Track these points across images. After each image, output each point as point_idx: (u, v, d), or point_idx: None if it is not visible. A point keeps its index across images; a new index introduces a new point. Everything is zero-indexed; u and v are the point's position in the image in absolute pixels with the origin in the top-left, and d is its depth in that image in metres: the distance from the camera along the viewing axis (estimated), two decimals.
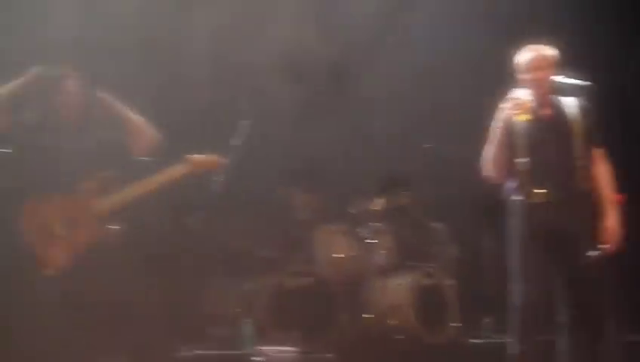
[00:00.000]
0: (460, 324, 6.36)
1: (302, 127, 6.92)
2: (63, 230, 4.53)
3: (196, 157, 4.91)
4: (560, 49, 4.66)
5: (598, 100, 4.30)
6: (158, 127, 5.00)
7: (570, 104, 4.67)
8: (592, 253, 4.68)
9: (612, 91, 6.00)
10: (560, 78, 4.53)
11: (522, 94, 4.51)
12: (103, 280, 4.54)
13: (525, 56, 4.67)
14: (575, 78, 4.43)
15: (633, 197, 5.14)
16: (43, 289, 4.46)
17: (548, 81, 4.59)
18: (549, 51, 4.66)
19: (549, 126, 4.58)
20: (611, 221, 4.57)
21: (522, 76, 4.65)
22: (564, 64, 4.62)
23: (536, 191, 4.55)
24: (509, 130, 4.58)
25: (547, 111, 4.63)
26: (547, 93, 4.64)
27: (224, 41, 6.44)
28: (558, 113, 4.64)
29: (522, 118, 4.48)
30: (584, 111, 4.61)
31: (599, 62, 6.29)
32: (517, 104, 4.50)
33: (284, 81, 6.67)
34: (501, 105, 4.58)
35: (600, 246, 4.57)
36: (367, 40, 7.00)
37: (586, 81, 4.32)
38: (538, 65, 4.60)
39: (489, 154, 4.69)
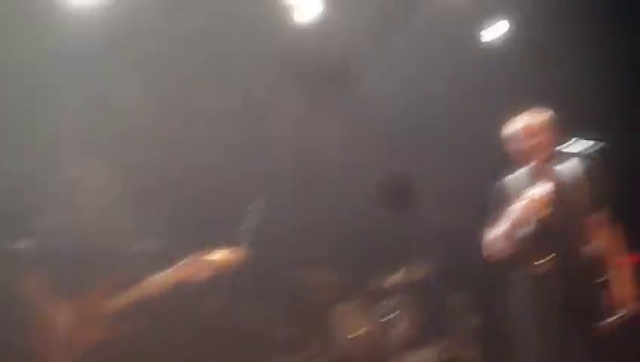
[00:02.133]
0: None
1: (311, 204, 6.94)
2: (71, 328, 4.42)
3: (213, 252, 4.63)
4: (566, 109, 4.65)
5: (607, 160, 4.28)
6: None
7: (571, 167, 4.64)
8: (606, 321, 4.62)
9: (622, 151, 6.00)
10: (565, 143, 4.51)
11: (541, 189, 4.37)
12: None
13: (516, 125, 4.64)
14: (585, 139, 4.42)
15: None
16: None
17: (544, 148, 4.53)
18: (541, 116, 4.62)
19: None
20: (620, 285, 4.49)
21: (516, 147, 4.62)
22: (572, 124, 4.60)
23: (542, 260, 4.49)
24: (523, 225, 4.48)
25: (546, 178, 4.53)
26: (546, 160, 4.57)
27: (231, 122, 6.50)
28: (560, 178, 4.55)
29: (539, 216, 4.35)
30: (586, 174, 4.57)
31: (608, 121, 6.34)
32: (537, 202, 4.35)
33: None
34: (519, 202, 4.42)
35: (614, 312, 4.49)
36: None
37: (595, 141, 4.32)
38: (532, 131, 4.56)
39: (494, 244, 4.58)
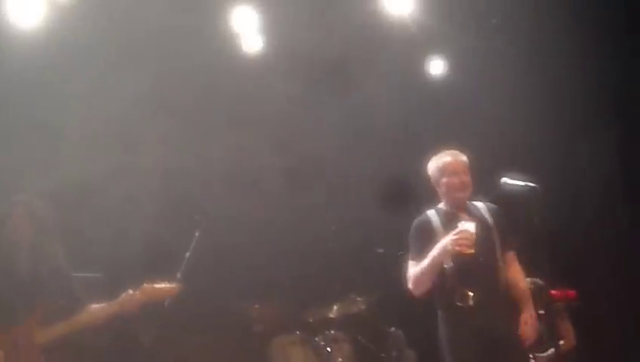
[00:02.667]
0: None
1: (256, 238, 6.92)
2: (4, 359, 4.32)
3: (151, 287, 4.55)
4: (504, 146, 4.78)
5: (542, 200, 4.38)
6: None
7: (482, 207, 4.78)
8: (544, 354, 4.74)
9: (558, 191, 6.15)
10: (505, 180, 4.60)
11: (469, 226, 4.43)
12: None
13: (440, 160, 4.77)
14: (519, 180, 4.51)
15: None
16: None
17: (466, 186, 4.66)
18: (462, 155, 4.76)
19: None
20: (527, 316, 4.60)
21: (443, 181, 4.72)
22: (510, 165, 4.73)
23: (465, 293, 4.56)
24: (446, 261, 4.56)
25: (463, 215, 4.69)
26: (465, 198, 4.72)
27: (174, 152, 6.46)
28: (474, 216, 4.69)
29: (467, 252, 4.40)
30: (497, 216, 4.71)
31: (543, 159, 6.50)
32: (464, 238, 4.40)
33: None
34: (448, 238, 4.48)
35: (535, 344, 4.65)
36: None
37: (530, 182, 4.41)
38: (454, 169, 4.69)
39: (421, 275, 4.64)
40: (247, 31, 6.24)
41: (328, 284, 6.92)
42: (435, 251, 4.53)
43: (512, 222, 4.64)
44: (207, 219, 5.85)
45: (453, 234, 4.43)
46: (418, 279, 4.66)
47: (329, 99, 6.67)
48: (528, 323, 4.56)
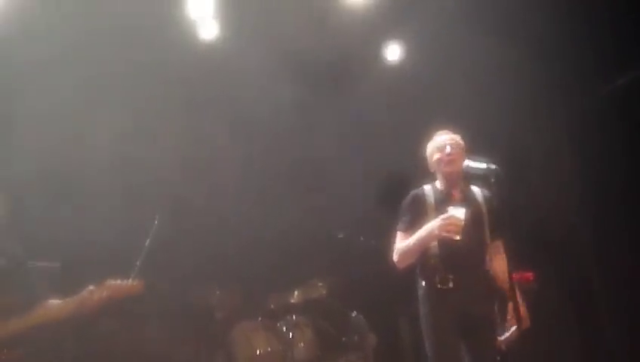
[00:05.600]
0: None
1: (216, 224, 6.89)
2: None
3: (114, 284, 4.33)
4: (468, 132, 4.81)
5: (504, 183, 4.39)
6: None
7: (478, 193, 4.82)
8: (502, 337, 4.80)
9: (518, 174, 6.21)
10: (467, 162, 4.61)
11: (458, 213, 4.45)
12: None
13: (437, 140, 4.81)
14: (482, 162, 4.52)
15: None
16: None
17: (459, 164, 4.65)
18: (458, 136, 4.80)
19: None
20: (518, 305, 4.66)
21: (434, 158, 4.77)
22: (473, 149, 4.75)
23: (446, 276, 4.62)
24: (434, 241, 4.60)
25: (457, 196, 4.74)
26: (458, 178, 4.73)
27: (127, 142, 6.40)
28: (468, 200, 4.74)
29: (454, 238, 4.42)
30: (490, 204, 4.73)
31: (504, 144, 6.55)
32: (453, 224, 4.42)
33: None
34: (436, 222, 4.50)
35: (508, 329, 4.69)
36: None
37: (492, 164, 4.43)
38: (444, 146, 4.70)
39: (406, 252, 4.69)
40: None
41: (289, 270, 6.94)
42: (422, 232, 4.57)
43: (503, 212, 4.65)
44: (166, 207, 5.81)
45: (441, 219, 4.46)
46: (403, 254, 4.70)
47: (281, 86, 6.63)
48: (518, 313, 4.51)
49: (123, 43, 5.87)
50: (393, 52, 7.11)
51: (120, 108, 6.11)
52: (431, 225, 4.53)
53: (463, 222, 4.41)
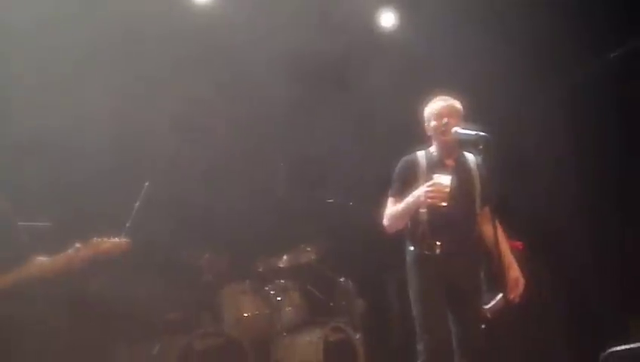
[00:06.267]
0: None
1: (205, 187, 6.88)
2: None
3: (100, 241, 4.39)
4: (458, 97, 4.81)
5: (493, 151, 4.40)
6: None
7: (472, 161, 4.83)
8: (488, 305, 4.85)
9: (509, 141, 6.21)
10: (458, 129, 4.61)
11: (444, 180, 4.47)
12: None
13: (434, 104, 4.82)
14: (473, 130, 4.52)
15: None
16: None
17: (448, 130, 4.65)
18: (456, 102, 4.81)
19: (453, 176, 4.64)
20: (515, 273, 4.72)
21: (431, 124, 4.78)
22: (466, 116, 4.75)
23: (433, 242, 4.69)
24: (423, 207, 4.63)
25: (450, 163, 4.77)
26: (452, 144, 4.75)
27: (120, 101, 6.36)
28: (461, 167, 4.78)
29: (440, 204, 4.45)
30: (482, 170, 4.74)
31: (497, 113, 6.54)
32: (438, 191, 4.44)
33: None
34: (422, 189, 4.53)
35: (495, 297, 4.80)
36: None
37: (482, 132, 4.43)
38: (446, 112, 4.72)
39: (395, 217, 4.74)
40: None
41: (278, 234, 6.95)
42: (410, 198, 4.60)
43: (490, 179, 4.67)
44: (157, 168, 5.80)
45: (426, 186, 4.48)
46: (392, 219, 4.75)
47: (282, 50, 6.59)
48: (514, 281, 4.68)
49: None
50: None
51: (114, 67, 6.06)
52: (417, 192, 4.56)
53: (448, 189, 4.43)
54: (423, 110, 4.89)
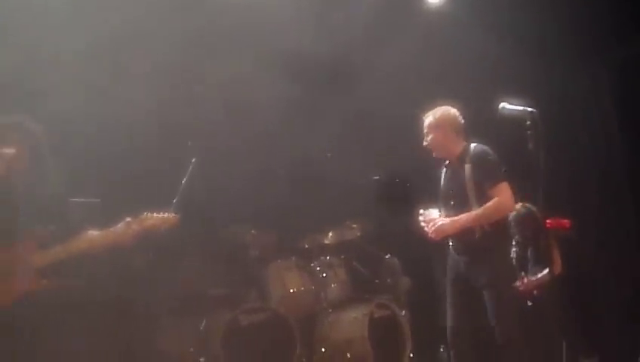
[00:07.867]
0: (415, 354, 6.36)
1: (251, 162, 6.90)
2: None
3: (150, 216, 4.43)
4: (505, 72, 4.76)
5: (539, 126, 4.34)
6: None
7: (467, 163, 4.98)
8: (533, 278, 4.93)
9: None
10: (505, 105, 4.56)
11: (431, 213, 5.02)
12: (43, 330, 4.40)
13: (424, 119, 5.10)
14: (518, 105, 4.47)
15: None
16: None
17: (439, 149, 5.02)
18: (444, 113, 5.03)
19: (449, 183, 5.07)
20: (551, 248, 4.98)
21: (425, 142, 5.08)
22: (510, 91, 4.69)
23: (447, 242, 5.09)
24: None
25: (457, 164, 5.03)
26: (446, 157, 5.07)
27: (172, 79, 6.39)
28: (453, 175, 5.05)
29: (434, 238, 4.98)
30: (476, 161, 4.91)
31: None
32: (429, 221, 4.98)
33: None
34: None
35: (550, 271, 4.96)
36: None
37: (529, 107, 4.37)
38: (432, 127, 5.03)
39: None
40: None
41: (324, 211, 6.96)
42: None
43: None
44: (202, 146, 5.84)
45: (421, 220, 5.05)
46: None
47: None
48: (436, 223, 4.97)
49: None
50: None
51: (161, 47, 6.09)
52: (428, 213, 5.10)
53: (435, 221, 4.93)
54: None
